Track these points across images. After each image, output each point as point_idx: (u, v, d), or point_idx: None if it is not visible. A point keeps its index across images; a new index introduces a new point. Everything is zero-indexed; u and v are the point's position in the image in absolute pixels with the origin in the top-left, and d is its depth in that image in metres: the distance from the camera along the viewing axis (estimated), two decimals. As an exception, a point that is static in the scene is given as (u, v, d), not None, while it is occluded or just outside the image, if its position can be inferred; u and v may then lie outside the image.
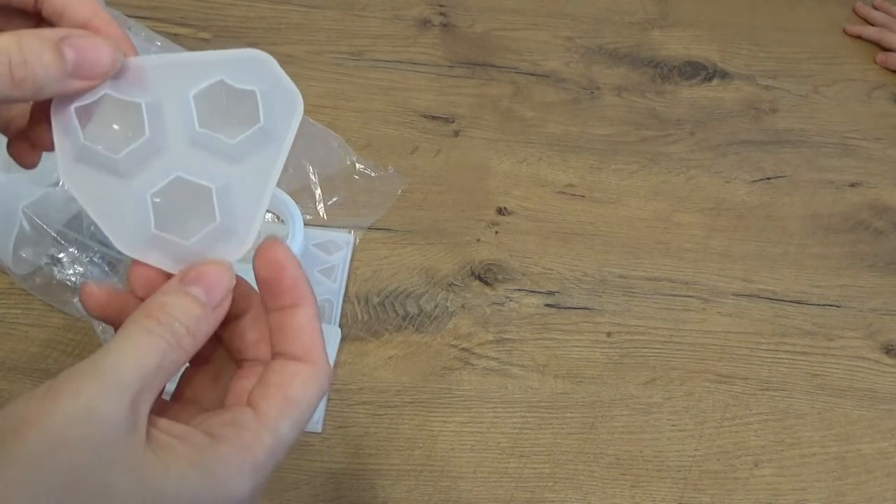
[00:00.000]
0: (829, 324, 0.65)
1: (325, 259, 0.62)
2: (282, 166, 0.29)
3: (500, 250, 0.65)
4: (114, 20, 0.29)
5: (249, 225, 0.29)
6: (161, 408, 0.30)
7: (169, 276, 0.29)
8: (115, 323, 0.29)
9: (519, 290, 0.63)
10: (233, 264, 0.29)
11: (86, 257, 0.57)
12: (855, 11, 0.89)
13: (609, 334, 0.62)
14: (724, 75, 0.80)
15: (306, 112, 0.30)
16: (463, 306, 0.62)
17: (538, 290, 0.63)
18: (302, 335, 0.29)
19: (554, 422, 0.57)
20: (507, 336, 0.60)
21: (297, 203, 0.56)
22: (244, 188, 0.29)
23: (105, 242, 0.57)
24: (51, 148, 0.29)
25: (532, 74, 0.77)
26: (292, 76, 0.30)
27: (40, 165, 0.34)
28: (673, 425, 0.58)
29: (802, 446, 0.58)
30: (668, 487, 0.55)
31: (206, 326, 0.28)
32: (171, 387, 0.32)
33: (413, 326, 0.60)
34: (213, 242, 0.29)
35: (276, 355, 0.29)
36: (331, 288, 0.60)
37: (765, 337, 0.63)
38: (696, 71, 0.80)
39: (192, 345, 0.27)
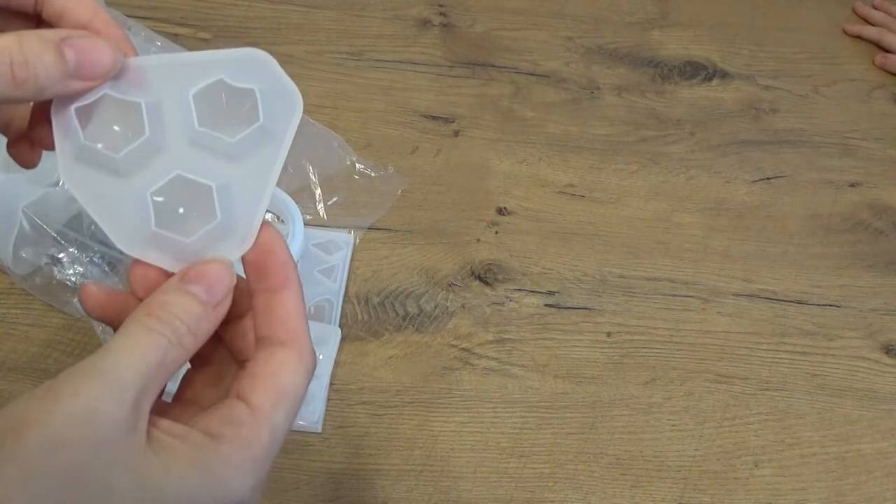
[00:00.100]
0: (829, 324, 0.65)
1: (325, 259, 0.62)
2: (282, 165, 0.30)
3: (500, 250, 0.65)
4: (113, 21, 0.29)
5: (250, 223, 0.29)
6: (162, 409, 0.30)
7: (169, 275, 0.29)
8: (115, 324, 0.29)
9: (519, 290, 0.63)
10: (233, 263, 0.29)
11: (86, 257, 0.57)
12: (855, 11, 0.89)
13: (609, 334, 0.62)
14: (724, 75, 0.80)
15: (306, 112, 0.30)
16: (463, 306, 0.62)
17: (538, 290, 0.63)
18: (287, 319, 0.29)
19: (554, 422, 0.57)
20: (507, 336, 0.60)
21: (297, 203, 0.56)
22: (244, 187, 0.29)
23: (105, 242, 0.57)
24: (52, 148, 0.29)
25: (532, 74, 0.77)
26: (292, 76, 0.30)
27: (40, 165, 0.34)
28: (673, 425, 0.58)
29: (802, 446, 0.58)
30: (668, 487, 0.55)
31: (207, 325, 0.28)
32: (172, 387, 0.32)
33: (413, 326, 0.60)
34: (213, 241, 0.29)
35: (260, 340, 0.29)
36: (331, 288, 0.60)
37: (765, 337, 0.63)
38: (696, 71, 0.80)
39: (193, 343, 0.27)
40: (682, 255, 0.67)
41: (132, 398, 0.24)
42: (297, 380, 0.28)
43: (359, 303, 0.61)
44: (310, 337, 0.29)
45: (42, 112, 0.30)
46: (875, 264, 0.69)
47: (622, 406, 0.58)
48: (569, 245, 0.66)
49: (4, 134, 0.33)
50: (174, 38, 0.71)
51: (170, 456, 0.25)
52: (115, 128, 0.29)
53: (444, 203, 0.67)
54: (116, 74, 0.28)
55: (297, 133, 0.30)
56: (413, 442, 0.55)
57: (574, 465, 0.56)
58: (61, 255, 0.56)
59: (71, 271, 0.56)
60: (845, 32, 0.87)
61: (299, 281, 0.30)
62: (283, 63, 0.30)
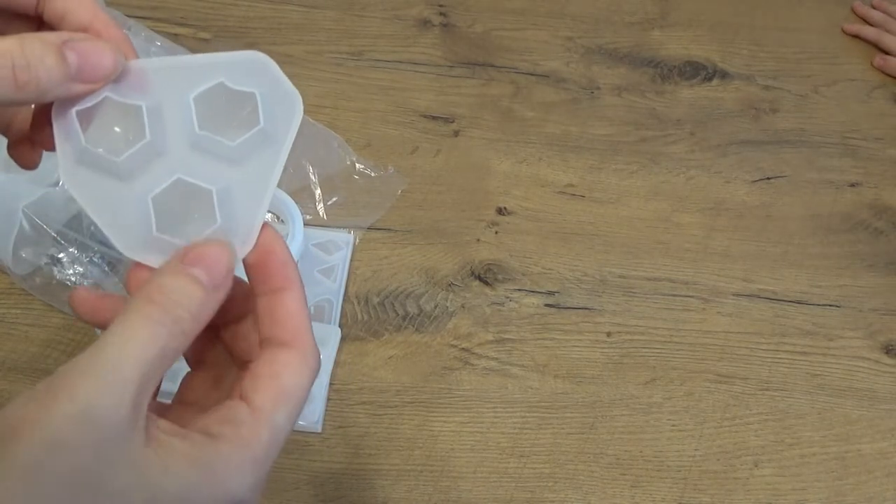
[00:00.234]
0: (829, 324, 0.65)
1: (325, 259, 0.62)
2: (282, 168, 0.30)
3: (500, 250, 0.65)
4: (114, 22, 0.29)
5: (250, 227, 0.29)
6: (161, 410, 0.30)
7: None
8: (107, 327, 0.29)
9: (519, 290, 0.63)
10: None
11: (86, 257, 0.57)
12: (854, 11, 0.89)
13: (609, 334, 0.62)
14: (724, 75, 0.80)
15: (306, 112, 0.30)
16: (463, 306, 0.62)
17: (538, 290, 0.63)
18: (290, 319, 0.29)
19: (554, 422, 0.57)
20: (507, 336, 0.61)
21: (297, 203, 0.56)
22: (245, 190, 0.29)
23: (105, 242, 0.57)
24: (53, 149, 0.29)
25: (532, 74, 0.77)
26: (292, 76, 0.30)
27: (40, 165, 0.34)
28: (673, 425, 0.58)
29: (802, 446, 0.59)
30: (668, 487, 0.56)
31: (208, 309, 0.27)
32: (172, 388, 0.32)
33: (413, 326, 0.60)
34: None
35: (264, 342, 0.29)
36: (331, 288, 0.60)
37: (765, 337, 0.63)
38: (696, 71, 0.80)
39: (194, 329, 0.27)
40: (682, 255, 0.67)
41: (132, 395, 0.24)
42: (300, 380, 0.28)
43: (359, 303, 0.61)
44: (313, 337, 0.29)
45: (44, 114, 0.30)
46: (875, 264, 0.69)
47: (622, 406, 0.59)
48: (569, 245, 0.66)
49: (6, 135, 0.33)
50: (174, 38, 0.71)
51: (169, 455, 0.25)
52: (116, 131, 0.29)
53: (444, 203, 0.67)
54: (118, 77, 0.28)
55: (297, 133, 0.30)
56: (413, 442, 0.55)
57: (574, 465, 0.56)
58: (61, 255, 0.56)
59: (71, 271, 0.56)
60: (844, 32, 0.86)
61: (301, 281, 0.30)
62: (282, 63, 0.30)
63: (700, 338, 0.62)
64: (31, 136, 0.32)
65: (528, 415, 0.57)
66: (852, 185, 0.74)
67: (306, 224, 0.59)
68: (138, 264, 0.29)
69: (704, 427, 0.58)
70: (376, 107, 0.72)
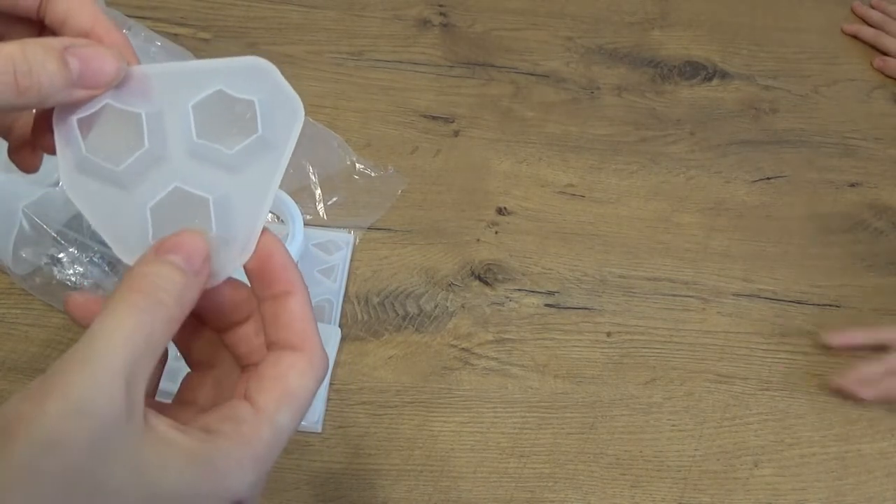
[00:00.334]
0: (829, 324, 0.65)
1: (325, 259, 0.62)
2: (282, 175, 0.29)
3: (500, 250, 0.65)
4: (115, 27, 0.29)
5: (249, 234, 0.29)
6: (162, 409, 0.30)
7: None
8: None
9: (519, 290, 0.63)
10: (232, 272, 0.30)
11: (86, 257, 0.57)
12: (853, 11, 0.88)
13: (609, 334, 0.62)
14: (724, 75, 0.80)
15: (306, 112, 0.30)
16: (463, 306, 0.62)
17: (538, 290, 0.63)
18: (295, 323, 0.29)
19: (554, 422, 0.57)
20: (507, 336, 0.61)
21: (297, 203, 0.56)
22: (244, 197, 0.29)
23: (105, 243, 0.57)
24: (54, 152, 0.29)
25: (532, 74, 0.77)
26: (292, 76, 0.30)
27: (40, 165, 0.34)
28: (673, 425, 0.58)
29: (802, 446, 0.59)
30: (668, 487, 0.56)
31: (191, 294, 0.27)
32: (173, 388, 0.32)
33: (413, 326, 0.60)
34: (211, 251, 0.29)
35: (270, 345, 0.29)
36: (331, 288, 0.60)
37: (765, 337, 0.63)
38: (696, 71, 0.80)
39: (179, 314, 0.27)
40: (682, 255, 0.67)
41: (123, 384, 0.24)
42: (305, 382, 0.28)
43: (359, 303, 0.61)
44: (321, 341, 0.29)
45: (45, 119, 0.30)
46: (875, 264, 0.69)
47: (622, 406, 0.59)
48: (569, 245, 0.66)
49: (7, 139, 0.33)
50: (174, 38, 0.71)
51: (168, 450, 0.25)
52: (117, 139, 0.29)
53: (444, 203, 0.67)
54: (119, 83, 0.28)
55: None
56: (413, 442, 0.55)
57: (574, 465, 0.56)
58: (61, 255, 0.57)
59: (71, 271, 0.56)
60: (843, 32, 0.86)
61: (304, 284, 0.30)
62: (283, 63, 0.30)
63: (700, 338, 0.63)
64: (33, 140, 0.32)
65: (528, 415, 0.57)
66: (852, 185, 0.74)
67: (306, 224, 0.59)
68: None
69: (704, 427, 0.59)
70: (376, 107, 0.72)
